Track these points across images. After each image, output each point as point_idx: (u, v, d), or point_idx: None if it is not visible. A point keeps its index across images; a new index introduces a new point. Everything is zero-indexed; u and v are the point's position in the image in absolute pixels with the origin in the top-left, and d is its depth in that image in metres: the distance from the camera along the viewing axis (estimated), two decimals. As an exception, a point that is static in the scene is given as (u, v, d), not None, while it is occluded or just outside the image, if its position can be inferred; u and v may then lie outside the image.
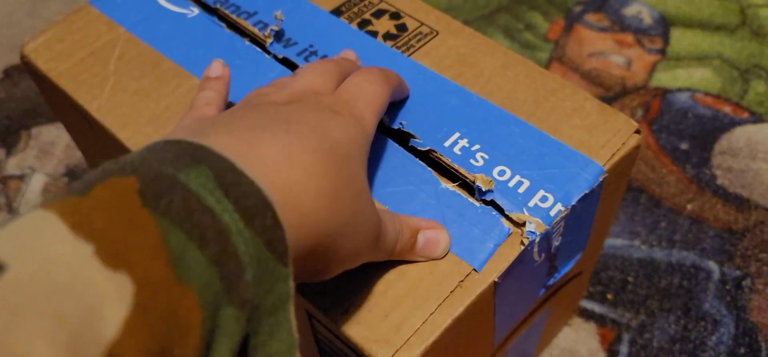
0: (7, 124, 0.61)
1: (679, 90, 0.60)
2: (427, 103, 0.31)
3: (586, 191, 0.28)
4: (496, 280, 0.26)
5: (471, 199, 0.28)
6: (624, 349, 0.45)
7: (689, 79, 0.61)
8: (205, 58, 0.34)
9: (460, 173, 0.28)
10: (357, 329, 0.24)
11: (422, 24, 0.35)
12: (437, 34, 0.34)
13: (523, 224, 0.27)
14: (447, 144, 0.29)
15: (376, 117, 0.26)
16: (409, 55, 0.33)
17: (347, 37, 0.34)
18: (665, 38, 0.64)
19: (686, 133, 0.56)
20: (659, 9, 0.67)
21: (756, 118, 0.57)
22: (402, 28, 0.35)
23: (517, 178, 0.28)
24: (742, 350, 0.44)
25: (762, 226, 0.50)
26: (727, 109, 0.58)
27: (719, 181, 0.53)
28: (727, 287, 0.47)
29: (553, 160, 0.29)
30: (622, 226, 0.51)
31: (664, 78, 0.61)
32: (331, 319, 0.25)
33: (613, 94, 0.60)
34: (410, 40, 0.34)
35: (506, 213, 0.27)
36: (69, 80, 0.34)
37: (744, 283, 0.47)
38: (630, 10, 0.67)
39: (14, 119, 0.62)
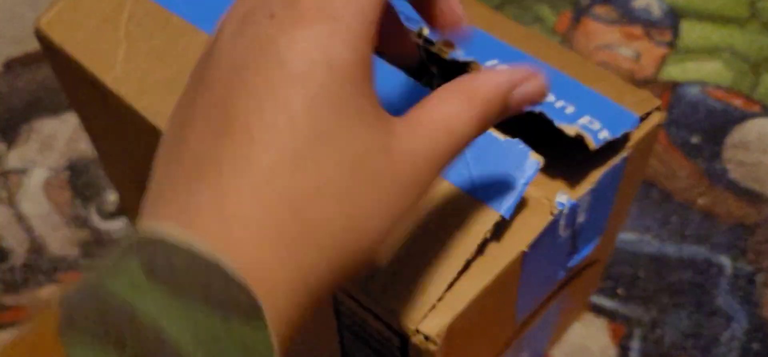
0: (8, 117, 0.61)
1: (690, 83, 0.59)
2: (457, 39, 0.29)
3: (629, 129, 0.27)
4: (526, 249, 0.25)
5: (494, 133, 0.25)
6: (635, 344, 0.44)
7: (699, 72, 0.60)
8: (213, 10, 0.32)
9: None
10: (382, 298, 0.23)
11: None
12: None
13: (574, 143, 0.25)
14: (488, 63, 0.27)
15: (364, 21, 0.17)
16: None
17: None
18: (675, 31, 0.63)
19: (697, 127, 0.55)
20: (668, 1, 0.66)
21: (767, 112, 0.56)
22: None
23: (562, 102, 0.26)
24: (756, 346, 0.44)
25: (775, 221, 0.50)
26: (738, 102, 0.57)
27: (731, 175, 0.52)
28: (740, 282, 0.47)
29: (593, 100, 0.27)
30: (632, 221, 0.50)
31: (673, 71, 0.60)
32: (356, 287, 0.24)
33: (622, 87, 0.59)
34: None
35: (557, 125, 0.25)
36: (83, 52, 0.33)
37: (757, 278, 0.47)
38: (639, 3, 0.66)
39: (15, 112, 0.61)
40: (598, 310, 0.46)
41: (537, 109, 0.25)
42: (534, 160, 0.25)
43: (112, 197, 0.53)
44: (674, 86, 0.59)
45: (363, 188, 0.16)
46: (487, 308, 0.25)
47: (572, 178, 0.27)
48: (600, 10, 0.66)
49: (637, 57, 0.61)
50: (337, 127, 0.16)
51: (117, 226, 0.52)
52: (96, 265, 0.15)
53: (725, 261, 0.48)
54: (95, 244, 0.51)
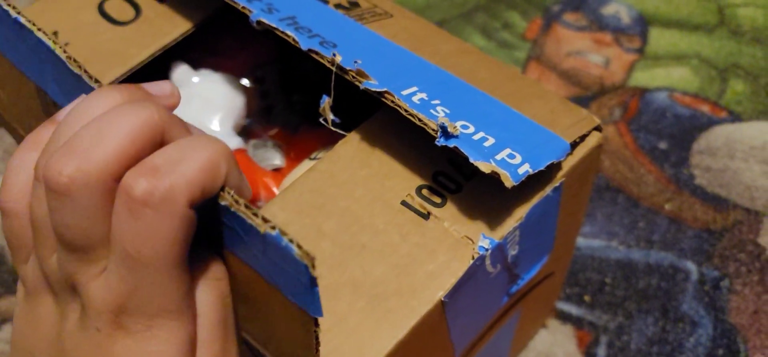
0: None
1: (658, 89, 0.59)
2: (379, 61, 0.28)
3: (554, 161, 0.26)
4: (443, 299, 0.24)
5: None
6: (601, 351, 0.44)
7: (667, 79, 0.60)
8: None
9: (420, 119, 0.25)
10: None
11: (376, 6, 0.33)
12: (391, 16, 0.32)
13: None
14: (405, 92, 0.26)
15: (178, 327, 0.20)
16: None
17: None
18: (644, 37, 0.64)
19: (664, 133, 0.56)
20: (638, 8, 0.66)
21: (734, 118, 0.57)
22: (354, 4, 0.33)
23: (482, 133, 0.25)
24: (721, 352, 0.44)
25: (740, 226, 0.50)
26: (706, 108, 0.57)
27: (697, 181, 0.52)
28: (706, 288, 0.47)
29: (519, 128, 0.26)
30: (599, 227, 0.50)
31: (642, 77, 0.60)
32: (263, 347, 0.23)
33: (591, 93, 0.59)
34: (363, 14, 0.32)
35: (472, 161, 0.24)
36: None
37: (722, 283, 0.47)
38: (608, 10, 0.66)
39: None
40: (565, 317, 0.46)
41: (451, 143, 0.24)
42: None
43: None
44: (643, 92, 0.59)
45: None
46: (410, 355, 0.24)
47: (499, 212, 0.26)
48: (570, 17, 0.66)
49: (607, 63, 0.62)
50: None
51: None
52: None
53: (691, 267, 0.48)
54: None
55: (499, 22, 0.66)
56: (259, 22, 0.29)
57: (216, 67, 0.36)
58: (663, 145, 0.55)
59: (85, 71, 0.21)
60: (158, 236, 0.18)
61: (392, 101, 0.26)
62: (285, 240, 0.17)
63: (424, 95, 0.26)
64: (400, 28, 0.32)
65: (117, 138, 0.18)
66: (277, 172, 0.35)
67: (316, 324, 0.20)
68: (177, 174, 0.18)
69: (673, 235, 0.49)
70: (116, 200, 0.18)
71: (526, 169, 0.25)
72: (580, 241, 0.49)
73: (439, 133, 0.25)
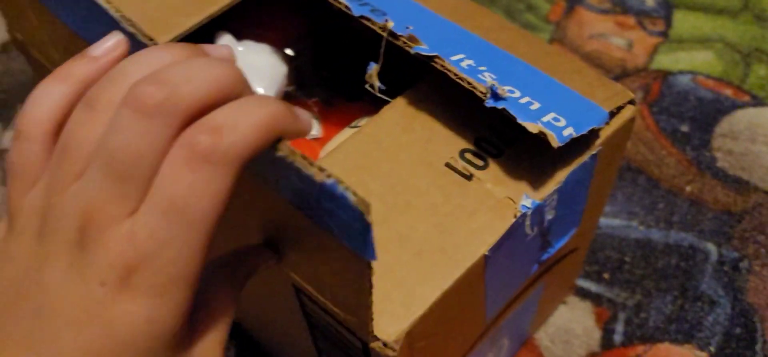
0: (3, 98, 0.61)
1: (681, 72, 0.59)
2: (427, 30, 0.29)
3: (596, 126, 0.27)
4: (487, 253, 0.25)
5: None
6: (619, 328, 0.45)
7: (691, 62, 0.60)
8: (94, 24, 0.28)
9: (469, 82, 0.26)
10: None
11: None
12: None
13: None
14: (453, 58, 0.27)
15: (187, 290, 0.19)
16: None
17: None
18: (667, 21, 0.64)
19: (687, 116, 0.56)
20: (662, -8, 0.66)
21: (757, 102, 0.57)
22: None
23: (528, 98, 0.26)
24: (738, 331, 0.44)
25: (760, 209, 0.50)
26: (729, 92, 0.58)
27: (719, 164, 0.53)
28: (725, 268, 0.47)
29: (560, 96, 0.27)
30: (620, 207, 0.50)
31: (665, 60, 0.60)
32: (318, 292, 0.24)
33: (613, 76, 0.59)
34: None
35: (520, 122, 0.25)
36: None
37: (741, 264, 0.47)
38: (632, -7, 0.66)
39: (11, 93, 0.61)
40: (584, 294, 0.46)
41: (500, 104, 0.25)
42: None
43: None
44: (665, 75, 0.59)
45: None
46: (450, 310, 0.25)
47: (539, 176, 0.27)
48: (593, -1, 0.66)
49: (630, 46, 0.62)
50: None
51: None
52: None
53: (711, 247, 0.48)
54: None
55: (522, 4, 0.66)
56: None
57: (256, 39, 0.37)
58: (685, 127, 0.55)
59: (139, 30, 0.22)
60: (210, 192, 0.18)
61: (442, 65, 0.27)
62: (340, 188, 0.18)
63: (471, 62, 0.27)
64: (439, 3, 0.32)
65: (206, 82, 0.18)
66: (315, 141, 0.36)
67: (370, 267, 0.20)
68: (238, 133, 0.18)
69: (693, 217, 0.50)
70: (173, 151, 0.18)
71: (570, 132, 0.26)
72: (601, 220, 0.50)
73: (488, 95, 0.26)
